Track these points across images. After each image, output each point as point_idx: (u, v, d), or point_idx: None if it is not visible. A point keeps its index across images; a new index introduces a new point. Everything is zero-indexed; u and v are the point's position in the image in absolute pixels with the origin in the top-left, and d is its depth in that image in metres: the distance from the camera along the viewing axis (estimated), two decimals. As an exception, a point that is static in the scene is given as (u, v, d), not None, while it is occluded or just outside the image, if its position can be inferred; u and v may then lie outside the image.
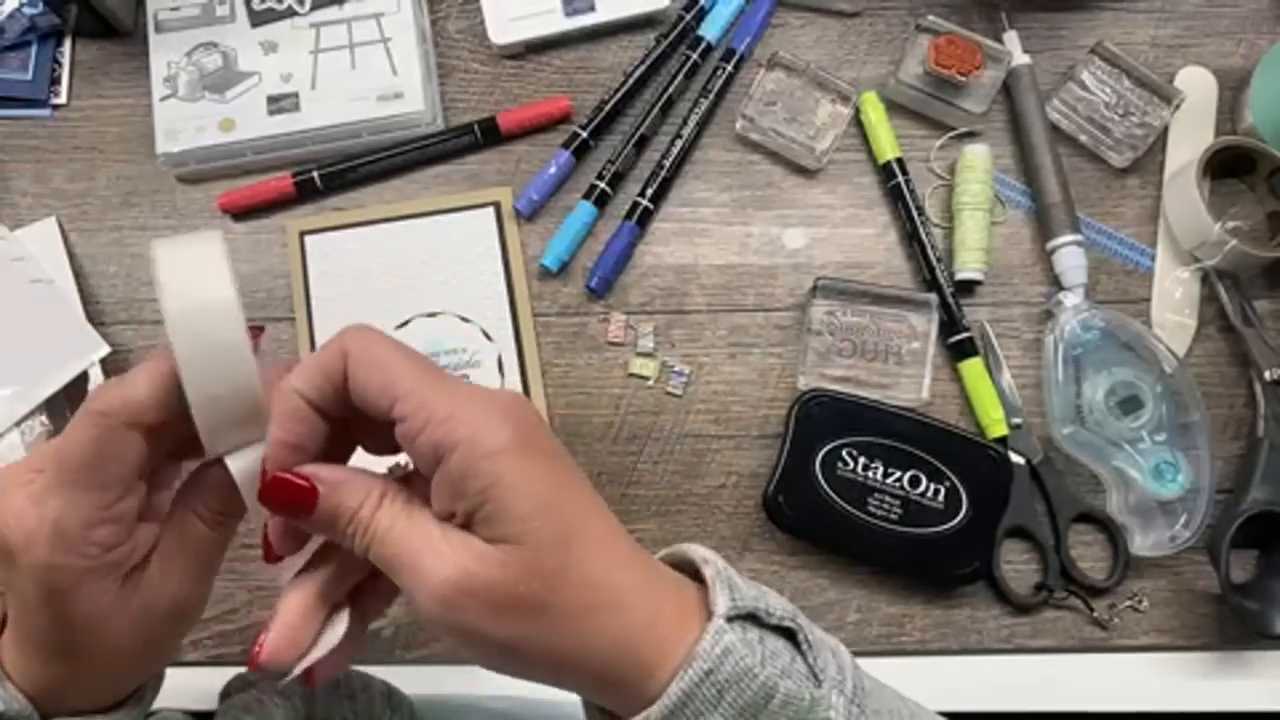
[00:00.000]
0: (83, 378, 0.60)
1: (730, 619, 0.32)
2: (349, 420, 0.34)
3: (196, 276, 0.32)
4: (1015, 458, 0.58)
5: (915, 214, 0.61)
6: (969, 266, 0.60)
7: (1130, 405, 0.57)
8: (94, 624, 0.35)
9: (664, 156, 0.63)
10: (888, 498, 0.56)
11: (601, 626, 0.31)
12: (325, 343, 0.33)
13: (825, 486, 0.56)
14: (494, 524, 0.30)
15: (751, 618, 0.33)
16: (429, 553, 0.31)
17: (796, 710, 0.31)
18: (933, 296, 0.60)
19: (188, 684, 0.57)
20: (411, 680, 0.56)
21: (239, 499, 0.35)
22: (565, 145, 0.63)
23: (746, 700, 0.31)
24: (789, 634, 0.33)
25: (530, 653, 0.31)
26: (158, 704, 0.54)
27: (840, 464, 0.56)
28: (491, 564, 0.30)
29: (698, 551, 0.35)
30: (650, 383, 0.61)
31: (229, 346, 0.32)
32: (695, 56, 0.64)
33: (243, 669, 0.57)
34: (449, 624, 0.30)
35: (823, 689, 0.32)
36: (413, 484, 0.33)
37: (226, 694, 0.46)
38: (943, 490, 0.56)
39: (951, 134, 0.64)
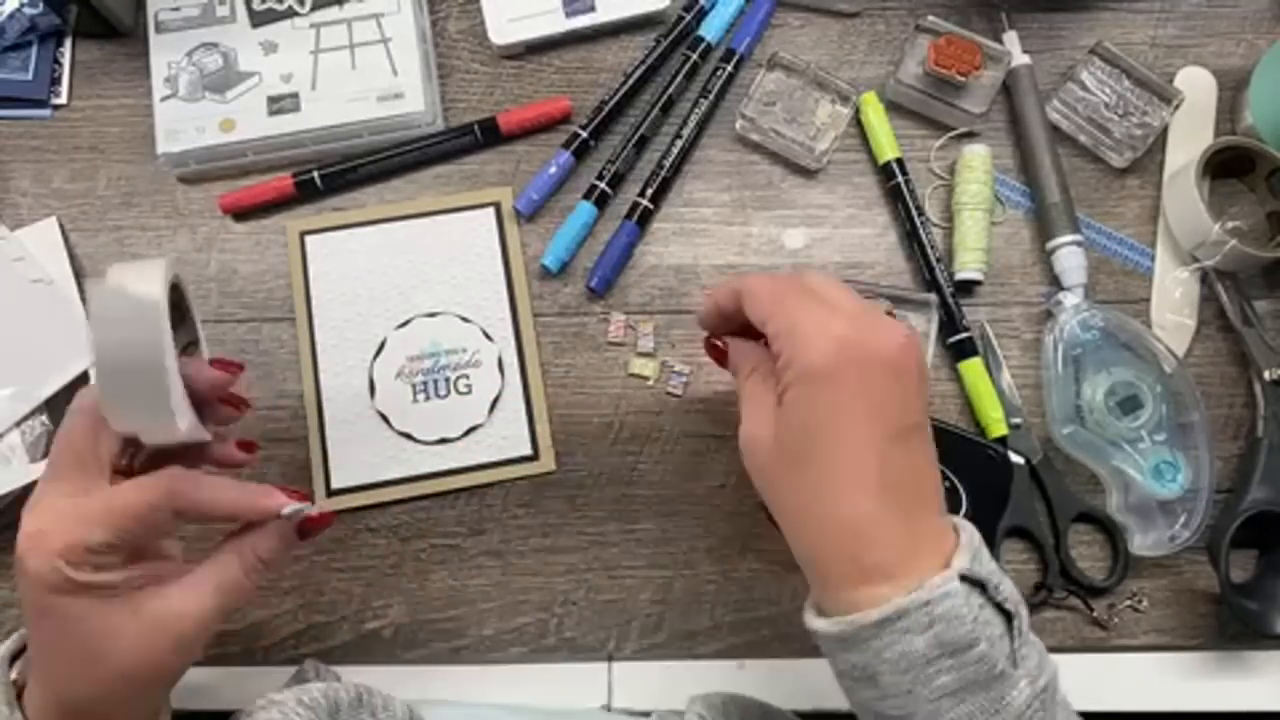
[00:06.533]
0: (83, 378, 0.60)
1: (963, 578, 0.38)
2: None
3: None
4: (1015, 458, 0.58)
5: (915, 214, 0.61)
6: (969, 266, 0.60)
7: (1130, 405, 0.57)
8: (96, 638, 0.40)
9: (664, 156, 0.63)
10: (888, 498, 0.56)
11: (848, 503, 0.39)
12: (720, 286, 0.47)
13: (825, 486, 0.56)
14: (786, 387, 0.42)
15: (981, 587, 0.38)
16: (748, 410, 0.44)
17: (988, 672, 0.36)
18: (933, 296, 0.60)
19: (187, 684, 0.57)
20: (411, 680, 0.56)
21: (286, 547, 0.45)
22: (565, 145, 0.63)
23: (950, 639, 0.36)
24: (1008, 617, 0.38)
25: (785, 496, 0.42)
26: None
27: (840, 464, 0.56)
28: (768, 426, 0.42)
29: (959, 521, 0.42)
30: (650, 383, 0.61)
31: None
32: (695, 57, 0.64)
33: (246, 668, 0.57)
34: (746, 460, 0.44)
35: (1017, 671, 0.37)
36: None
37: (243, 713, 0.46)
38: (942, 490, 0.56)
39: (951, 134, 0.64)
